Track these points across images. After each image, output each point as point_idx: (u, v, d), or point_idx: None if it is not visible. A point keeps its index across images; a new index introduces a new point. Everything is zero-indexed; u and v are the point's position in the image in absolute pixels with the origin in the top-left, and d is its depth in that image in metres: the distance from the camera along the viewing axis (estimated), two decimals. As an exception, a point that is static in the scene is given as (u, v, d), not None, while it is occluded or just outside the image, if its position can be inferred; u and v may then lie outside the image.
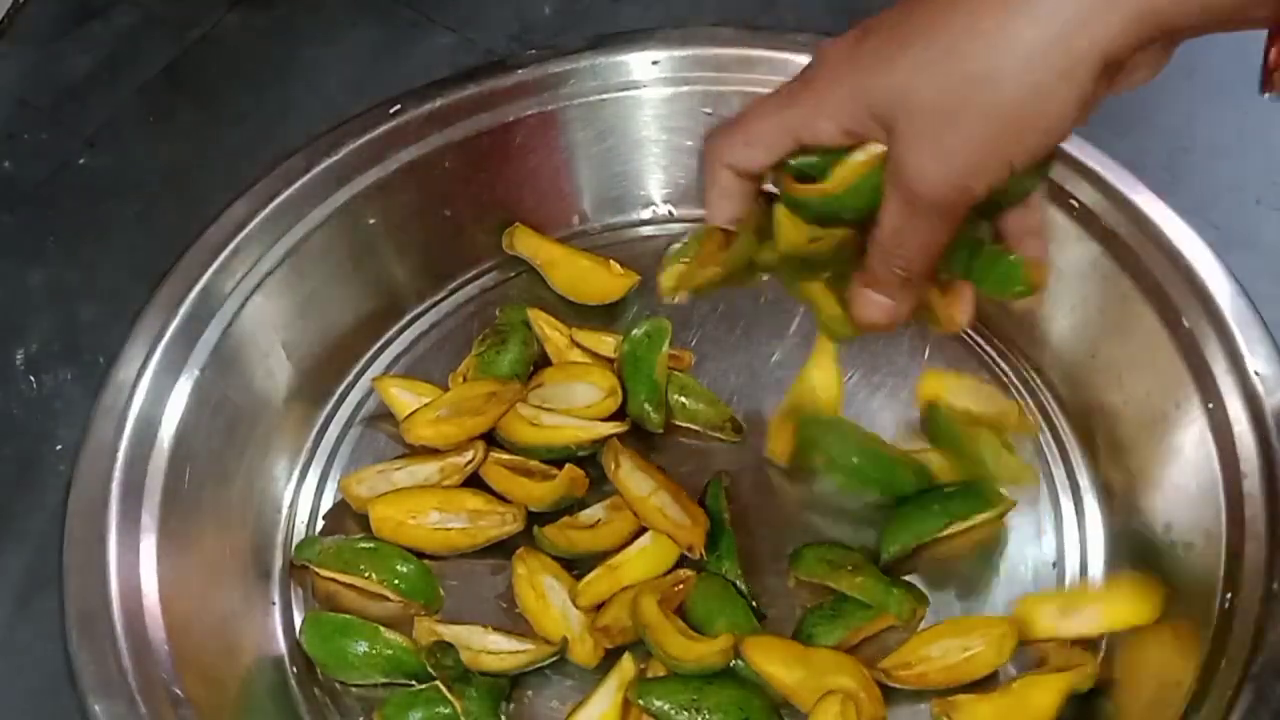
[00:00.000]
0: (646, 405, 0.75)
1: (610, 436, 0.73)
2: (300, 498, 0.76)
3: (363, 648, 0.68)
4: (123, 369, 0.69)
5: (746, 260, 0.59)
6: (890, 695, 0.66)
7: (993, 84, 0.47)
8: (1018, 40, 0.46)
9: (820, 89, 0.52)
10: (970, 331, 0.79)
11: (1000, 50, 0.47)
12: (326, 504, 0.76)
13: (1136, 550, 0.70)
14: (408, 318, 0.82)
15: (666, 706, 0.65)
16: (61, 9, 0.99)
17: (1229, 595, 0.62)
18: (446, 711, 0.66)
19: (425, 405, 0.75)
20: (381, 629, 0.68)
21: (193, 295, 0.72)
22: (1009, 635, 0.66)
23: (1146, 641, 0.66)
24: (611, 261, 0.81)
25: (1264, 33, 0.51)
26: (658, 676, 0.67)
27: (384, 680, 0.68)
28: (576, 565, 0.71)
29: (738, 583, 0.70)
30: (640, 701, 0.65)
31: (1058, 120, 0.48)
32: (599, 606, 0.70)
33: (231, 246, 0.73)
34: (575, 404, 0.75)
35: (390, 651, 0.68)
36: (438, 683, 0.66)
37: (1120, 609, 0.67)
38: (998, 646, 0.66)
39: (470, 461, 0.74)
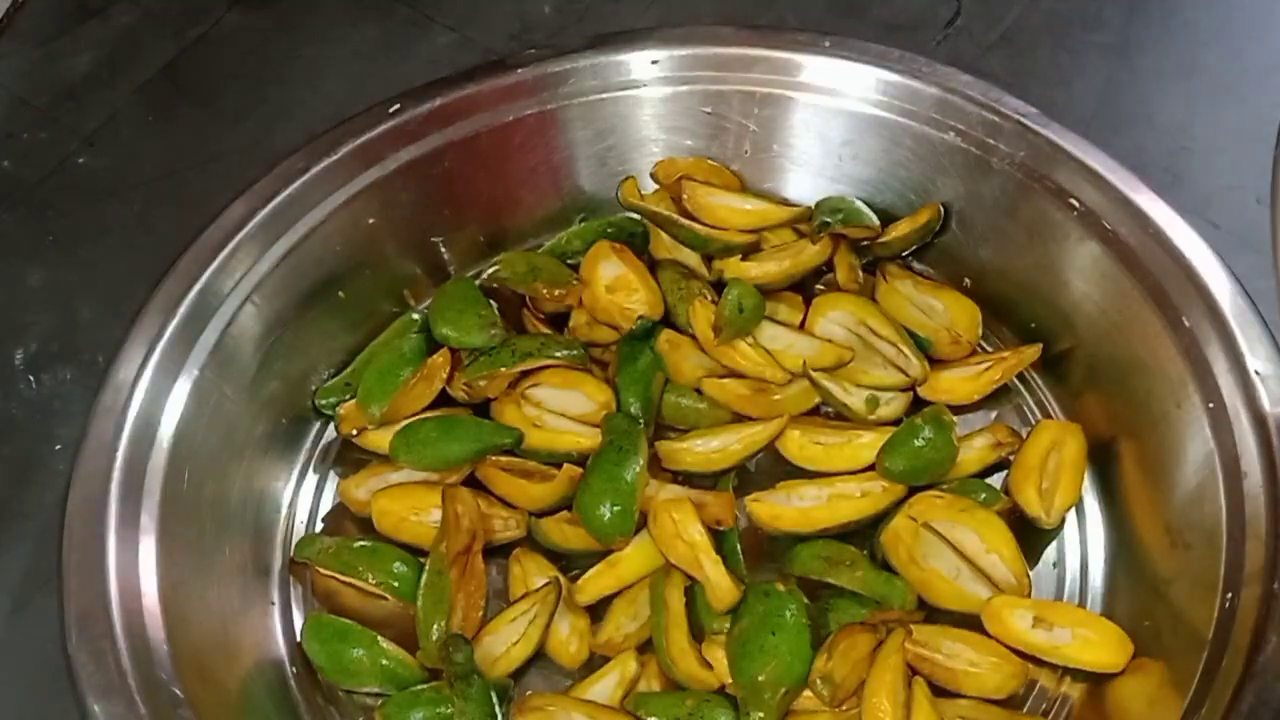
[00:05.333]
0: (637, 415, 0.74)
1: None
2: (300, 498, 0.76)
3: (359, 654, 0.68)
4: (122, 369, 0.69)
5: None
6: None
7: None
8: None
9: None
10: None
11: None
12: (326, 504, 0.76)
13: (1136, 551, 0.70)
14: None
15: None
16: (61, 9, 0.99)
17: (1229, 595, 0.62)
18: (447, 711, 0.66)
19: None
20: (379, 638, 0.68)
21: (192, 295, 0.72)
22: (1015, 676, 0.67)
23: (1147, 641, 0.66)
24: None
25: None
26: (654, 691, 0.67)
27: (378, 690, 0.68)
28: (575, 565, 0.71)
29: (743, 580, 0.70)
30: (638, 712, 0.66)
31: None
32: (596, 617, 0.70)
33: (231, 246, 0.73)
34: (569, 411, 0.75)
35: (386, 662, 0.68)
36: (438, 683, 0.66)
37: (1091, 646, 0.67)
38: (999, 680, 0.66)
39: (470, 461, 0.74)
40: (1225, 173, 0.85)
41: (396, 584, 0.70)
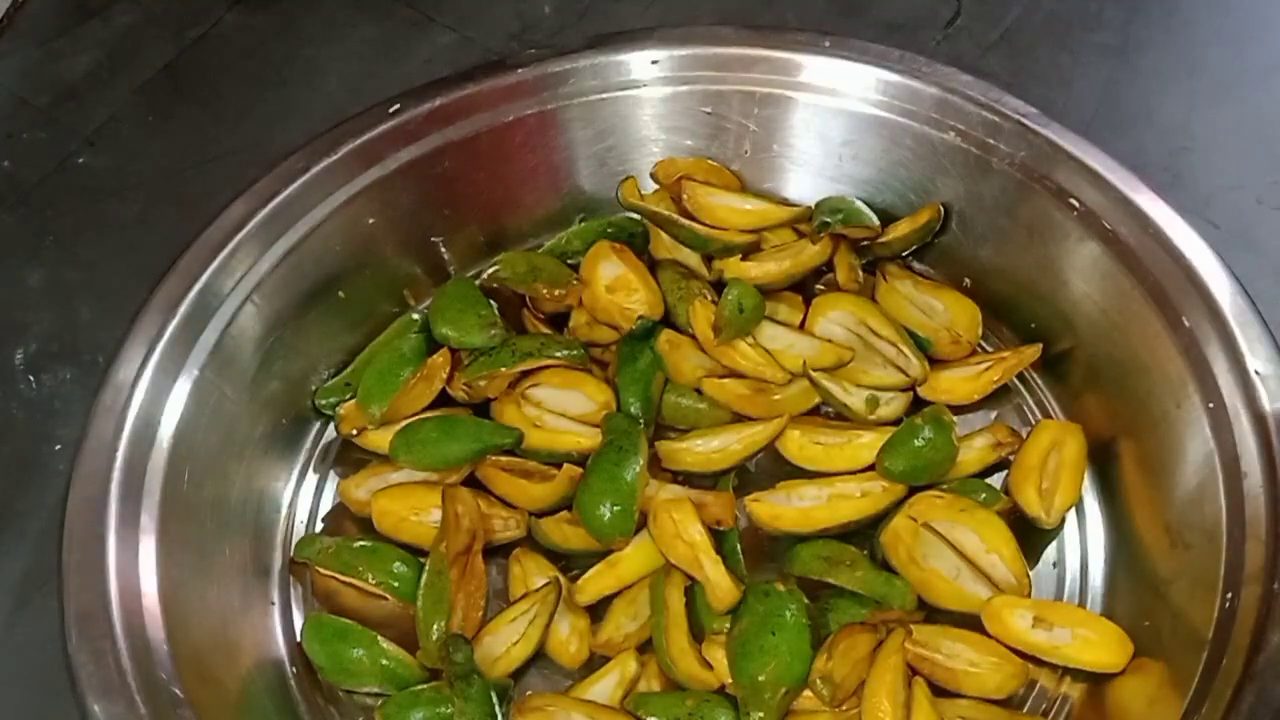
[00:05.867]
0: (637, 415, 0.74)
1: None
2: (300, 497, 0.76)
3: (359, 654, 0.68)
4: (122, 369, 0.69)
5: None
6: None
7: None
8: None
9: None
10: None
11: None
12: (326, 504, 0.76)
13: (1136, 551, 0.70)
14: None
15: None
16: (61, 9, 0.99)
17: (1229, 595, 0.62)
18: (447, 711, 0.65)
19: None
20: (379, 638, 0.68)
21: (192, 295, 0.72)
22: (1015, 676, 0.67)
23: (1147, 641, 0.67)
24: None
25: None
26: (654, 691, 0.67)
27: (378, 690, 0.68)
28: (575, 565, 0.71)
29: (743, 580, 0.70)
30: (638, 712, 0.66)
31: None
32: (596, 617, 0.70)
33: (231, 246, 0.73)
34: (569, 411, 0.75)
35: (386, 662, 0.68)
36: (438, 683, 0.66)
37: (1091, 646, 0.67)
38: (999, 680, 0.66)
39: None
40: (1225, 173, 0.85)
41: (396, 584, 0.70)
